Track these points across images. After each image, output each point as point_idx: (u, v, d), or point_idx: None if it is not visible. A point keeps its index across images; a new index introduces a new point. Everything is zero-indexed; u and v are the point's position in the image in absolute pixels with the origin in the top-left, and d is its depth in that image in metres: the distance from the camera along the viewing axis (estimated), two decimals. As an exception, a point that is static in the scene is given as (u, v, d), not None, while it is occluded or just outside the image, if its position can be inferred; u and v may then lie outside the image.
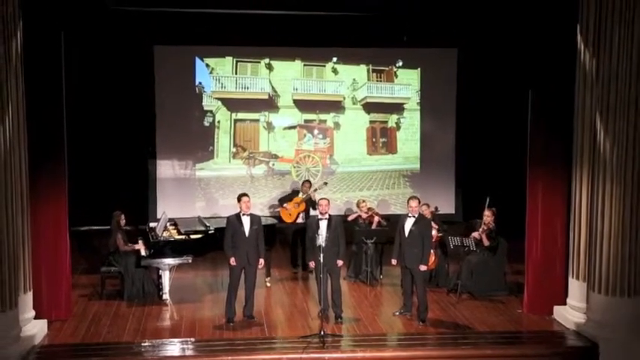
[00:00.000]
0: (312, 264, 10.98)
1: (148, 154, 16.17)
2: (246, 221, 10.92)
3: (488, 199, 12.40)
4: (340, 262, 11.00)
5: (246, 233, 10.88)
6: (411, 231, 10.89)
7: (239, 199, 11.04)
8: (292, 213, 13.83)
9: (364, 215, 13.38)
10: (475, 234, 12.22)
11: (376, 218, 13.34)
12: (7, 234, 9.49)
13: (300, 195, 13.95)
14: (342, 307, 11.07)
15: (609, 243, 10.14)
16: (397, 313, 11.32)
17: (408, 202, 11.14)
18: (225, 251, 10.94)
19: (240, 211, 10.95)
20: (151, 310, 11.58)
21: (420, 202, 11.14)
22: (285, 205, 13.97)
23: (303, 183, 14.30)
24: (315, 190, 14.24)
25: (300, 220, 13.75)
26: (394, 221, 11.80)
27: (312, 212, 13.76)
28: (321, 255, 10.43)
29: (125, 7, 11.14)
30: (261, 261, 11.09)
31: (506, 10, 11.44)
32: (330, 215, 10.99)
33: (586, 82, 10.35)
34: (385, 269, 13.13)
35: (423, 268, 10.89)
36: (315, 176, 16.43)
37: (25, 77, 9.93)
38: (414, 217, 10.96)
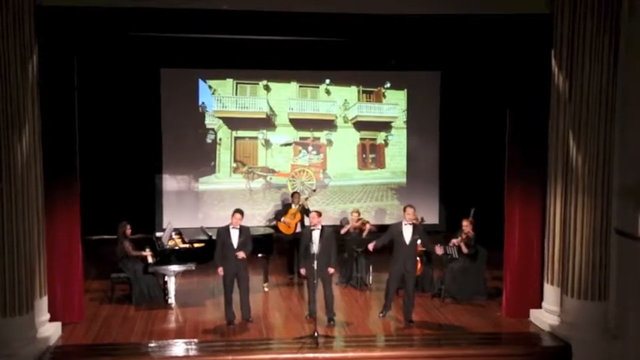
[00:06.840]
0: (303, 271, 10.94)
1: (155, 169, 16.14)
2: (234, 234, 10.91)
3: (472, 211, 12.40)
4: (331, 270, 10.92)
5: (235, 245, 10.88)
6: (413, 240, 10.88)
7: (232, 214, 11.02)
8: (291, 225, 13.78)
9: (356, 225, 13.34)
10: (454, 240, 12.20)
11: (367, 226, 13.31)
12: (23, 243, 9.49)
13: (294, 206, 13.91)
14: (335, 311, 11.03)
15: (581, 251, 10.18)
16: (381, 315, 11.31)
17: (404, 209, 11.10)
18: (215, 261, 10.96)
19: (230, 225, 10.96)
20: (157, 313, 11.56)
21: (415, 211, 11.11)
22: (283, 219, 13.93)
23: (292, 195, 14.27)
24: (307, 198, 14.20)
25: (298, 230, 13.69)
26: (381, 233, 11.74)
27: (306, 220, 13.70)
28: (315, 263, 10.42)
29: (134, 33, 11.13)
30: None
31: (485, 36, 11.45)
32: (322, 226, 10.93)
33: (559, 102, 10.41)
34: (374, 275, 13.09)
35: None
36: (310, 189, 16.40)
37: (41, 98, 9.94)
38: (410, 224, 10.94)
